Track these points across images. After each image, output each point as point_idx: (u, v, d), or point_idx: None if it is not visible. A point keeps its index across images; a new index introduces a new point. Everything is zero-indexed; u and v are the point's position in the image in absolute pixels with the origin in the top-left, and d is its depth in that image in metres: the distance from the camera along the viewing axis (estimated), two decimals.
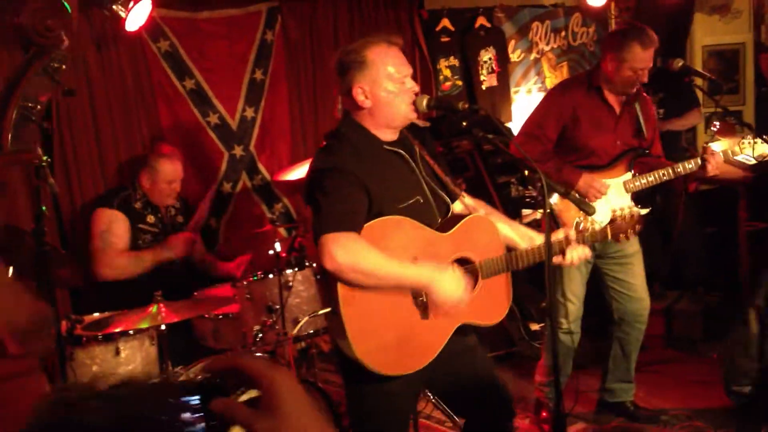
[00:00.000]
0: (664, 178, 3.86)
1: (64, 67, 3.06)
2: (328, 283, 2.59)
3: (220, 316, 4.03)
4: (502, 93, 6.61)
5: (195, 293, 4.30)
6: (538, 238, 2.93)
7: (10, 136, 2.81)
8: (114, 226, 4.28)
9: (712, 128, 5.92)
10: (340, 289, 2.55)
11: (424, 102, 2.85)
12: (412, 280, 2.62)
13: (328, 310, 2.59)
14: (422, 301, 2.68)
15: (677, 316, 5.26)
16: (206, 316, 4.03)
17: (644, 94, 4.06)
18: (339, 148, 2.75)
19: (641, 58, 3.74)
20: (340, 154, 2.72)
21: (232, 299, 3.99)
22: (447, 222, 2.83)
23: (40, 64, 3.00)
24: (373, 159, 2.73)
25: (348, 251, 2.49)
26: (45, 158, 3.24)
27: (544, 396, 4.12)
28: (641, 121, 3.97)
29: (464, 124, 2.95)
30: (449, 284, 2.62)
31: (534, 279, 5.31)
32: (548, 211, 2.82)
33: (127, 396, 0.92)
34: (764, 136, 3.95)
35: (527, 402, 4.34)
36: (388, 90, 2.71)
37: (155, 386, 0.95)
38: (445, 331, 2.75)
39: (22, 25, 2.98)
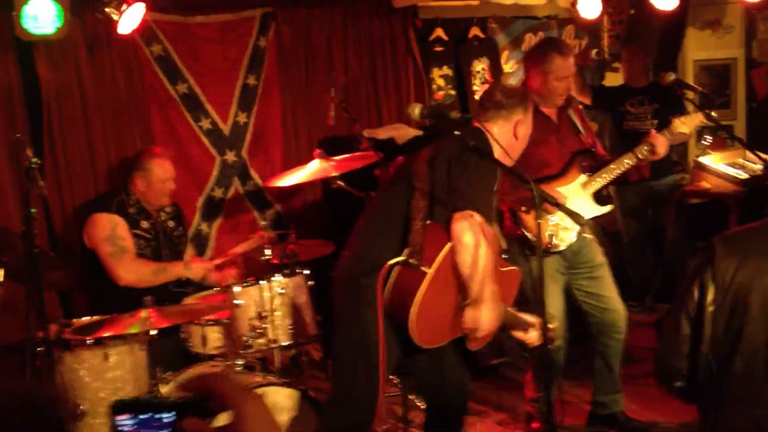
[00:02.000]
0: (617, 171, 3.97)
1: None
2: (425, 239, 2.88)
3: (210, 323, 3.99)
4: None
5: (185, 299, 4.27)
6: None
7: None
8: (118, 230, 4.21)
9: (703, 141, 5.97)
10: (445, 255, 2.85)
11: (417, 110, 2.94)
12: (485, 294, 2.90)
13: (401, 259, 2.89)
14: (462, 305, 2.95)
15: None
16: (196, 322, 3.99)
17: (574, 104, 4.19)
18: (487, 147, 3.10)
19: (563, 66, 3.92)
20: (489, 153, 3.08)
21: (222, 305, 3.95)
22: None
23: None
24: (496, 171, 3.13)
25: (481, 239, 2.84)
26: (35, 160, 3.21)
27: (535, 411, 4.11)
28: (578, 125, 4.10)
29: (456, 133, 3.01)
30: (494, 315, 2.95)
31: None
32: (539, 221, 2.90)
33: None
34: (704, 111, 4.05)
35: (518, 413, 4.32)
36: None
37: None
38: (458, 330, 3.05)
39: None
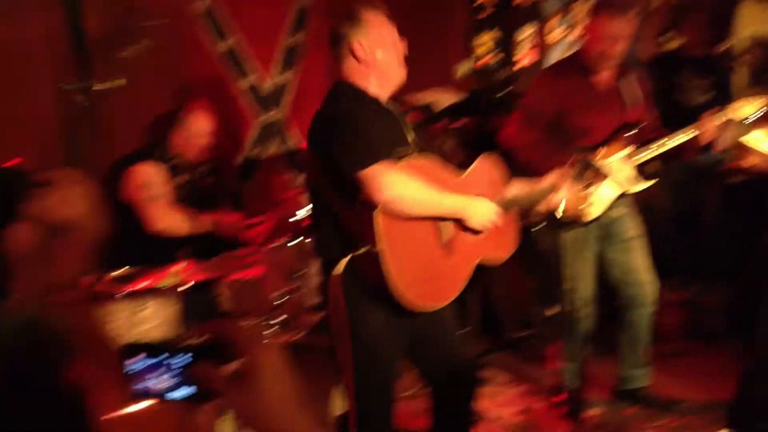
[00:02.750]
0: (662, 148, 3.87)
1: None
2: (359, 223, 2.66)
3: (242, 280, 4.05)
4: (538, 71, 6.52)
5: (218, 255, 4.32)
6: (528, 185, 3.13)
7: None
8: (155, 178, 4.20)
9: (752, 117, 5.82)
10: (382, 224, 2.62)
11: (464, 69, 2.87)
12: (451, 207, 2.77)
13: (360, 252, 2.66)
14: (447, 240, 2.80)
15: (700, 308, 5.19)
16: (228, 278, 4.05)
17: (632, 70, 4.02)
18: (346, 96, 2.86)
19: (610, 27, 3.74)
20: (353, 99, 2.84)
21: (254, 264, 4.01)
22: (457, 167, 2.99)
23: None
24: (376, 107, 2.87)
25: (396, 181, 2.60)
26: (84, 106, 3.22)
27: (559, 382, 4.12)
28: (631, 95, 3.96)
29: (497, 96, 2.97)
30: (483, 208, 2.82)
31: (550, 263, 5.28)
32: (573, 191, 2.83)
33: None
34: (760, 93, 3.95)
35: (543, 385, 4.32)
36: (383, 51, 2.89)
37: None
38: (466, 269, 2.89)
39: None
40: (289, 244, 3.98)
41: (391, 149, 2.73)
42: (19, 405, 0.84)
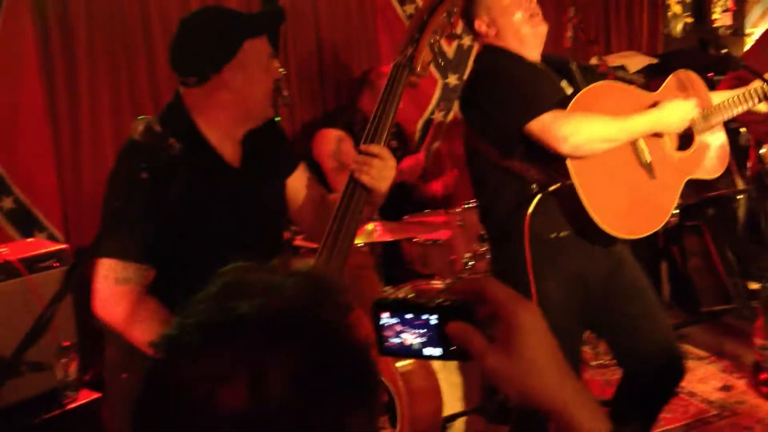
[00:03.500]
0: None
1: None
2: (547, 162, 2.52)
3: (430, 242, 4.04)
4: (734, 34, 6.13)
5: (406, 216, 4.33)
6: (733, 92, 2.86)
7: None
8: (342, 145, 4.28)
9: None
10: (569, 160, 2.48)
11: (680, 26, 2.70)
12: (643, 126, 2.58)
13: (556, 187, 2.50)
14: (647, 161, 2.62)
15: None
16: (416, 240, 4.05)
17: None
18: (497, 55, 2.74)
19: None
20: (505, 57, 2.71)
21: (443, 225, 3.98)
22: (652, 82, 2.86)
23: None
24: (526, 65, 2.73)
25: (574, 126, 2.45)
26: (281, 70, 3.31)
27: (763, 359, 3.86)
28: None
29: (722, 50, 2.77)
30: (678, 110, 2.61)
31: (755, 236, 4.97)
32: None
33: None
34: None
35: (743, 362, 4.08)
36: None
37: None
38: (675, 188, 2.70)
39: None
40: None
41: (550, 101, 2.58)
42: (313, 352, 0.82)
